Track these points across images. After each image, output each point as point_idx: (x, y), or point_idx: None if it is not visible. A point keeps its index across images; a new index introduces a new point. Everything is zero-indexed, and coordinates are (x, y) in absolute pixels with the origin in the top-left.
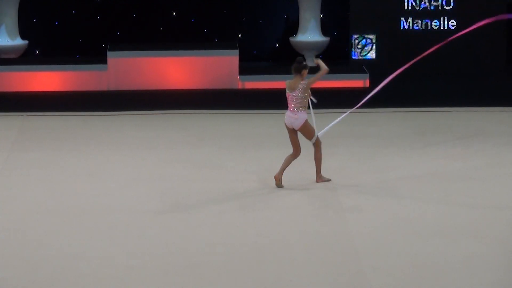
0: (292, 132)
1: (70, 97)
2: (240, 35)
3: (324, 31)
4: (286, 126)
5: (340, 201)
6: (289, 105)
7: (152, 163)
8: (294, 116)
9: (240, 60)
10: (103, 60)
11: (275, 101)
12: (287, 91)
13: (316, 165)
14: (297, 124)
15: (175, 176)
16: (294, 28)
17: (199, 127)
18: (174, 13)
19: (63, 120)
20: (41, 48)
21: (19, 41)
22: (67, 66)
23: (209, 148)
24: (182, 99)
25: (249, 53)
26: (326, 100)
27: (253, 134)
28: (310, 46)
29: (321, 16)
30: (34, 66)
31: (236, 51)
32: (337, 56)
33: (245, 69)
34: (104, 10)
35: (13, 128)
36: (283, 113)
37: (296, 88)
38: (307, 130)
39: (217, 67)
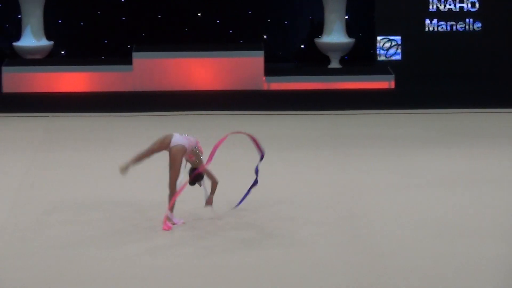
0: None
1: (96, 98)
2: (265, 36)
3: (349, 32)
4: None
5: (366, 201)
6: None
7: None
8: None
9: (265, 61)
10: (129, 61)
11: (300, 102)
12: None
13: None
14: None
15: None
16: (319, 29)
17: (224, 128)
18: (199, 14)
19: (89, 121)
20: (66, 49)
21: (44, 42)
22: (92, 67)
23: (234, 149)
24: (207, 100)
25: (274, 54)
26: (351, 101)
27: (278, 135)
28: (335, 47)
29: (346, 17)
30: (60, 67)
31: (262, 52)
32: (362, 57)
33: (270, 70)
34: (129, 11)
35: (39, 129)
36: (309, 114)
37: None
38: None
39: (242, 68)
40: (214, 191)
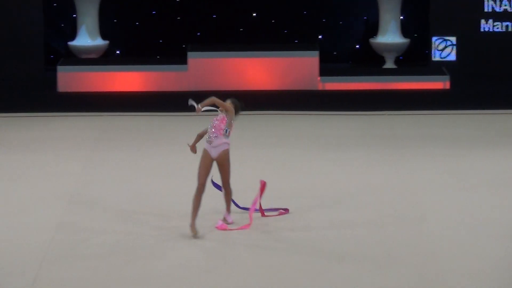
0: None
1: (150, 98)
2: (320, 36)
3: (404, 32)
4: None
5: (420, 201)
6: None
7: (232, 163)
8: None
9: (320, 62)
10: (184, 61)
11: (355, 102)
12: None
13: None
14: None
15: (254, 177)
16: (374, 30)
17: (279, 128)
18: (254, 14)
19: (143, 121)
20: (121, 49)
21: (99, 41)
22: (147, 66)
23: (289, 149)
24: (262, 100)
25: (329, 54)
26: (405, 102)
27: (333, 136)
28: (390, 47)
29: (401, 17)
30: (115, 67)
31: (317, 52)
32: (417, 58)
33: (325, 71)
34: (184, 10)
35: (94, 129)
36: (363, 115)
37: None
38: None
39: (297, 68)
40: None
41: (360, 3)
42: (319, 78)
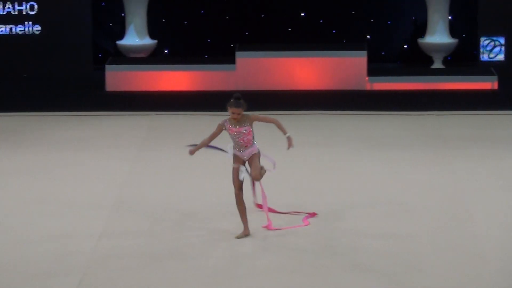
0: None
1: (198, 97)
2: (368, 36)
3: (453, 32)
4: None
5: (467, 201)
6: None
7: (280, 163)
8: None
9: (368, 61)
10: (232, 60)
11: (403, 102)
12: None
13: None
14: None
15: (301, 177)
16: (422, 30)
17: (327, 128)
18: (302, 14)
19: (191, 120)
20: (169, 48)
21: (148, 41)
22: (195, 66)
23: (336, 149)
24: (310, 100)
25: (377, 54)
26: (453, 102)
27: (381, 136)
28: (438, 48)
29: (450, 17)
30: (163, 66)
31: (365, 52)
32: (465, 58)
33: (373, 70)
34: (233, 10)
35: (142, 128)
36: (411, 115)
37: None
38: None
39: (345, 68)
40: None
41: (408, 3)
42: (367, 78)
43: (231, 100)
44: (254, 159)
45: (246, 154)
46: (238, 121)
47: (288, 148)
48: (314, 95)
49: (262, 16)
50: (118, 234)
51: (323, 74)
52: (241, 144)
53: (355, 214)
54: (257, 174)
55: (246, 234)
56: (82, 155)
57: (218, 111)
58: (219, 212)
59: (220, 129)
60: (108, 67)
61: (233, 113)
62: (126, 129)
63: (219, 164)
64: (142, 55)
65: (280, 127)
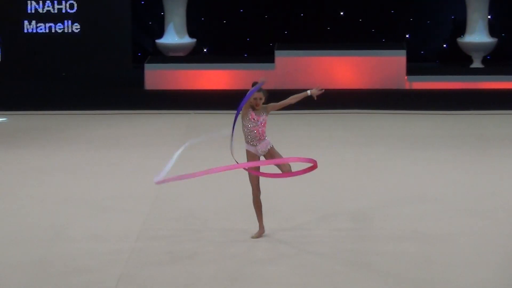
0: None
1: (237, 96)
2: (407, 36)
3: (492, 32)
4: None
5: (507, 201)
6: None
7: (319, 162)
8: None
9: (407, 61)
10: (271, 59)
11: (442, 101)
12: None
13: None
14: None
15: (340, 176)
16: (461, 29)
17: (366, 127)
18: (341, 13)
19: (230, 119)
20: (209, 47)
21: (187, 40)
22: (234, 64)
23: (375, 148)
24: (349, 99)
25: (416, 53)
26: (493, 101)
27: (420, 135)
28: (477, 47)
29: (489, 17)
30: (202, 65)
31: (404, 52)
32: (504, 57)
33: (412, 70)
34: (272, 9)
35: (181, 126)
36: (450, 114)
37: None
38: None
39: (385, 67)
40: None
41: (448, 2)
42: (406, 77)
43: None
44: (275, 152)
45: (260, 148)
46: (258, 110)
47: (316, 98)
48: (353, 94)
49: (302, 15)
50: (156, 232)
51: (362, 73)
52: (255, 135)
53: (392, 213)
54: (289, 167)
55: (261, 233)
56: (120, 153)
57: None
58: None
59: (248, 107)
60: (147, 66)
61: (255, 98)
62: (164, 127)
63: (265, 166)
64: (181, 53)
65: (298, 97)
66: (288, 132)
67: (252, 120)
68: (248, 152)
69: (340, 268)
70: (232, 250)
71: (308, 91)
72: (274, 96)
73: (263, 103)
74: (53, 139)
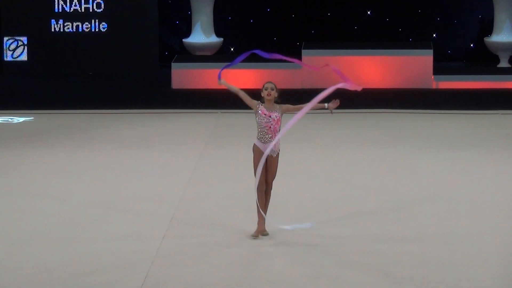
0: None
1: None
2: (434, 35)
3: None
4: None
5: None
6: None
7: (344, 161)
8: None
9: (434, 60)
10: (298, 58)
11: (468, 101)
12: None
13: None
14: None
15: (366, 175)
16: (488, 28)
17: (392, 126)
18: (369, 12)
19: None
20: (235, 46)
21: (214, 39)
22: (261, 64)
23: (401, 147)
24: (375, 98)
25: (443, 53)
26: None
27: (446, 134)
28: (504, 46)
29: None
30: (228, 64)
31: (431, 51)
32: None
33: (439, 69)
34: (299, 8)
35: (208, 125)
36: (477, 114)
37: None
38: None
39: (411, 66)
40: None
41: (475, 2)
42: (432, 76)
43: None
44: (273, 165)
45: (267, 147)
46: (270, 106)
47: (332, 112)
48: (379, 93)
49: (328, 14)
50: (182, 232)
51: (388, 73)
52: (267, 131)
53: (416, 212)
54: (269, 182)
55: (262, 228)
56: (148, 152)
57: None
58: (282, 209)
59: (254, 103)
60: (174, 65)
61: (266, 89)
62: (191, 126)
63: (285, 163)
64: (208, 53)
65: (314, 107)
66: (313, 131)
67: (264, 115)
68: (255, 147)
69: (358, 270)
70: (260, 250)
71: (326, 105)
72: (301, 95)
73: (278, 102)
74: (79, 138)
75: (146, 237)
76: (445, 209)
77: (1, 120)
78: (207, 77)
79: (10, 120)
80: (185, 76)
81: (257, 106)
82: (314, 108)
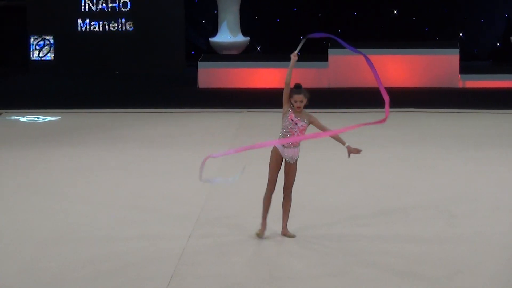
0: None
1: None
2: (461, 34)
3: None
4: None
5: None
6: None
7: (369, 160)
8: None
9: (460, 59)
10: (324, 58)
11: (495, 100)
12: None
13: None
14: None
15: (392, 175)
16: None
17: (418, 126)
18: (395, 12)
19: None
20: (262, 45)
21: (240, 38)
22: (287, 63)
23: (427, 147)
24: (402, 98)
25: (469, 52)
26: None
27: (473, 134)
28: None
29: None
30: (255, 63)
31: (457, 50)
32: None
33: (465, 68)
34: (325, 7)
35: (233, 124)
36: (503, 113)
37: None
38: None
39: (438, 65)
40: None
41: (501, 1)
42: (459, 76)
43: (292, 89)
44: (291, 171)
45: (287, 152)
46: (299, 113)
47: (349, 156)
48: (406, 92)
49: (355, 13)
50: (208, 231)
51: (415, 72)
52: (290, 137)
53: (442, 212)
54: (289, 187)
55: (263, 231)
56: (173, 152)
57: (310, 108)
58: (306, 207)
59: (287, 105)
60: (200, 64)
61: (295, 101)
62: (217, 125)
63: (314, 163)
64: (235, 52)
65: (336, 138)
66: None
67: (291, 121)
68: (274, 151)
69: (382, 269)
70: (284, 249)
71: (347, 144)
72: (327, 94)
73: (308, 100)
74: (105, 137)
75: (172, 237)
76: (471, 209)
77: (27, 120)
78: (233, 76)
79: (36, 119)
80: (211, 75)
81: (289, 109)
82: (334, 138)
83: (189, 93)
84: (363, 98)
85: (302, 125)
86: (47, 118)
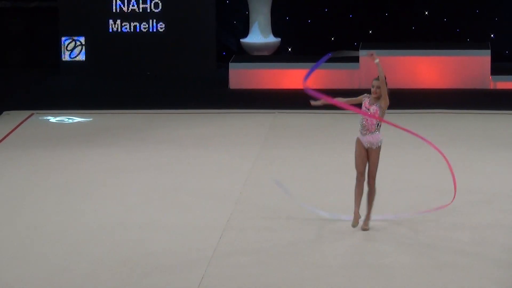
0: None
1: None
2: (492, 35)
3: None
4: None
5: None
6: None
7: (400, 161)
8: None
9: (492, 60)
10: (355, 59)
11: None
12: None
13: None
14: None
15: (421, 176)
16: None
17: (449, 127)
18: (426, 13)
19: (314, 118)
20: (293, 46)
21: (271, 39)
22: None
23: (458, 148)
24: (433, 99)
25: (501, 53)
26: None
27: (504, 135)
28: None
29: None
30: (286, 64)
31: (488, 51)
32: None
33: (497, 69)
34: (357, 8)
35: (264, 125)
36: None
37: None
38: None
39: (469, 67)
40: None
41: None
42: (490, 77)
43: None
44: (373, 157)
45: (367, 139)
46: (374, 101)
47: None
48: (437, 93)
49: (386, 14)
50: (240, 230)
51: (446, 73)
52: (364, 124)
53: (471, 213)
54: (371, 177)
55: (357, 221)
56: (205, 152)
57: (340, 110)
58: (340, 209)
59: (360, 99)
60: (231, 65)
61: (372, 86)
62: (249, 126)
63: (343, 163)
64: (266, 53)
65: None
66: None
67: (365, 108)
68: (357, 140)
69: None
70: (316, 249)
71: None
72: (358, 95)
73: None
74: (136, 138)
75: (203, 237)
76: (501, 209)
77: (58, 120)
78: (265, 77)
79: (67, 120)
80: (242, 76)
81: (364, 97)
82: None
83: (220, 94)
84: (393, 98)
85: (374, 109)
86: (79, 119)
